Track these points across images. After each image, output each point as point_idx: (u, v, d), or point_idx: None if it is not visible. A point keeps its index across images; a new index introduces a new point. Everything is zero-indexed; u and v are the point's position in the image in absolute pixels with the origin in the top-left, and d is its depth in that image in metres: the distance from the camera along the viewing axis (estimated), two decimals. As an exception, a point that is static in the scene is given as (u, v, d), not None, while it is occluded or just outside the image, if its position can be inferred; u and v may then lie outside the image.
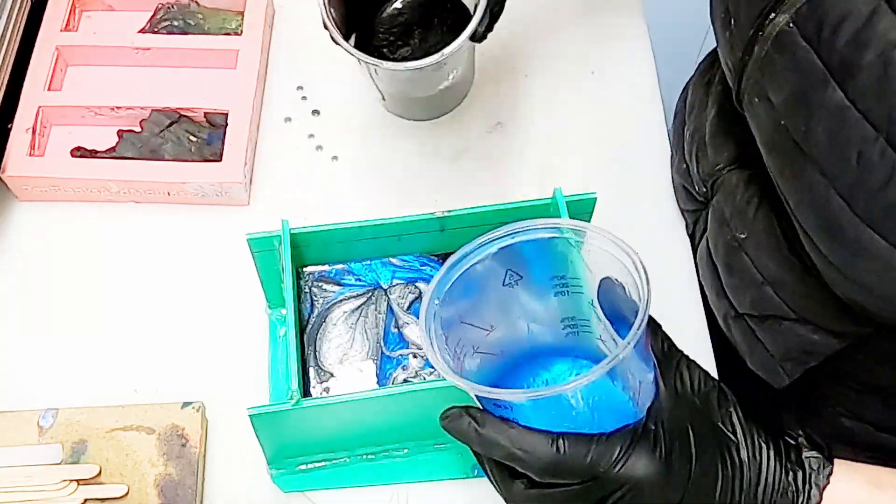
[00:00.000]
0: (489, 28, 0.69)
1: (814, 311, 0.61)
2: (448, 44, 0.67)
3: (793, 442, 0.49)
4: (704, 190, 0.72)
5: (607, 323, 0.51)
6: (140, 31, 0.84)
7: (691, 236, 0.77)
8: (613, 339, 0.52)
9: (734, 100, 0.58)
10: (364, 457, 0.66)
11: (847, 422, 0.68)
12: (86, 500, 0.64)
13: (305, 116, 0.84)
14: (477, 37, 0.68)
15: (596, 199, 0.66)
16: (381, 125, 0.83)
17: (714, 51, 0.77)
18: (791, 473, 0.47)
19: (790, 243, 0.61)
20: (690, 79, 0.80)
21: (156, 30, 0.84)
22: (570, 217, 0.64)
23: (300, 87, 0.85)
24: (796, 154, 0.50)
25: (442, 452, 0.67)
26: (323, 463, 0.66)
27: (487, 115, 0.84)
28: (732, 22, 0.55)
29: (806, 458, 0.48)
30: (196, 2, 0.85)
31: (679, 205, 0.79)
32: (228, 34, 0.84)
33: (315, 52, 0.87)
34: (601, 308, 0.51)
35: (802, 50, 0.48)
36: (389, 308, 0.68)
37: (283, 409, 0.57)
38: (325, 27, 0.69)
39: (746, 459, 0.47)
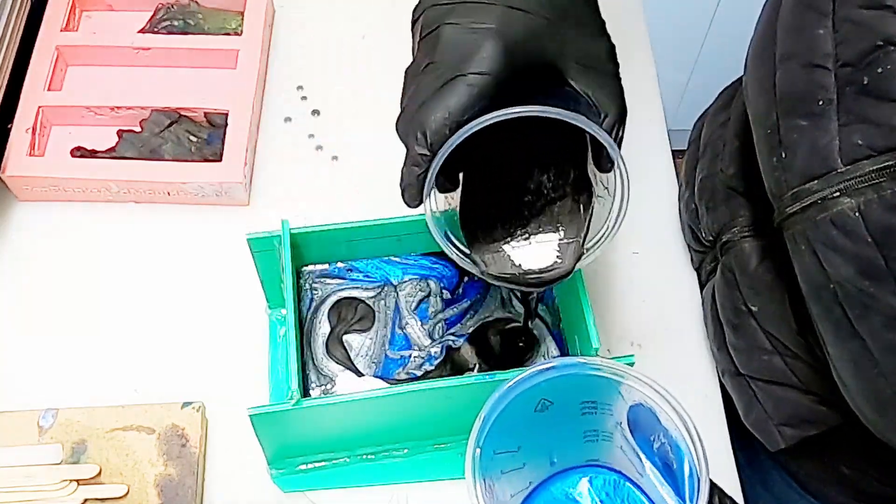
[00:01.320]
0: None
1: (822, 385, 0.60)
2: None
3: None
4: (711, 238, 0.70)
5: (631, 438, 0.52)
6: (140, 31, 0.83)
7: (697, 270, 0.76)
8: (635, 452, 0.53)
9: (773, 223, 0.54)
10: (364, 457, 0.66)
11: (846, 470, 0.67)
12: (86, 500, 0.64)
13: (305, 116, 0.84)
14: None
15: (596, 199, 0.66)
16: (381, 125, 0.83)
17: (732, 85, 0.74)
18: None
19: (801, 326, 0.59)
20: (708, 108, 0.77)
21: (156, 30, 0.84)
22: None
23: (300, 87, 0.85)
24: (844, 323, 0.48)
25: (442, 452, 0.67)
26: (323, 463, 0.66)
27: (487, 115, 0.84)
28: (783, 154, 0.51)
29: None
30: (196, 2, 0.85)
31: (685, 239, 0.77)
32: (228, 34, 0.84)
33: (315, 52, 0.87)
34: (629, 427, 0.51)
35: (867, 245, 0.46)
36: (396, 307, 0.68)
37: (283, 409, 0.57)
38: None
39: None
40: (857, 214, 0.46)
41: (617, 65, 0.51)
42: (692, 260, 0.77)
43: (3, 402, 0.68)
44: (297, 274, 0.69)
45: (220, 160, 0.77)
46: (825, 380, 0.58)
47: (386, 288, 0.69)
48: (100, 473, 0.65)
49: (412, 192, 0.50)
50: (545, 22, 0.48)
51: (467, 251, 0.56)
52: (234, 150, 0.77)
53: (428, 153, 0.48)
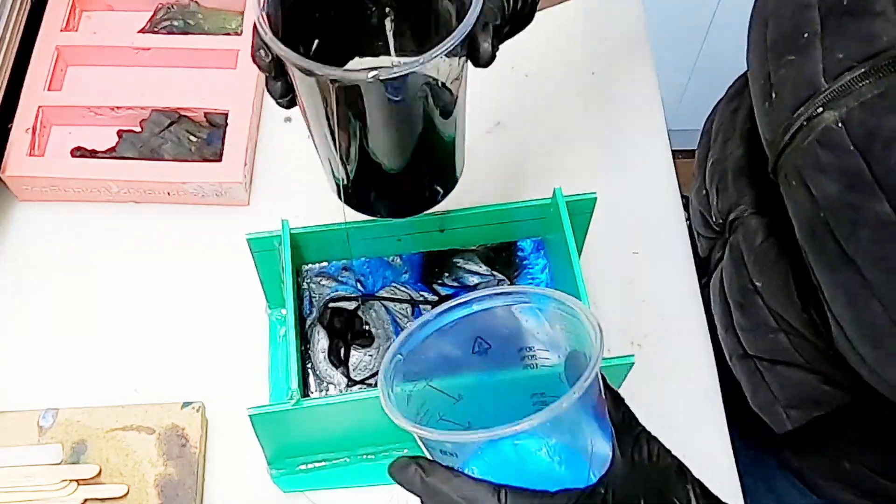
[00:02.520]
0: (495, 46, 0.50)
1: (827, 364, 0.60)
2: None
3: None
4: (721, 221, 0.70)
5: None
6: (140, 31, 0.84)
7: (706, 260, 0.76)
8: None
9: (769, 169, 0.56)
10: (364, 457, 0.66)
11: (848, 465, 0.67)
12: (86, 500, 0.64)
13: (305, 116, 0.83)
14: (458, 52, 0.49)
15: (596, 199, 0.66)
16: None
17: (743, 76, 0.75)
18: None
19: (804, 302, 0.59)
20: (719, 101, 0.78)
21: (156, 30, 0.84)
22: (570, 217, 0.63)
23: (300, 87, 0.85)
24: (836, 252, 0.49)
25: (442, 452, 0.67)
26: (323, 463, 0.66)
27: (487, 115, 0.84)
28: (773, 95, 0.53)
29: None
30: (196, 2, 0.85)
31: (696, 229, 0.77)
32: (228, 34, 0.84)
33: (315, 52, 0.87)
34: (568, 382, 0.49)
35: (851, 155, 0.47)
36: (393, 320, 0.68)
37: (282, 409, 0.57)
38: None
39: None
40: (839, 125, 0.47)
41: None
42: (701, 248, 0.77)
43: (3, 402, 0.68)
44: (297, 272, 0.69)
45: (220, 160, 0.77)
46: (830, 358, 0.58)
47: (373, 299, 0.69)
48: (100, 473, 0.65)
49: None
50: None
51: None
52: (234, 150, 0.77)
53: None
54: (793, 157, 0.52)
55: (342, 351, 0.67)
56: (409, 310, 0.68)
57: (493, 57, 0.50)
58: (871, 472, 0.66)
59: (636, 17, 0.90)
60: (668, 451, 0.47)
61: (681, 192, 0.82)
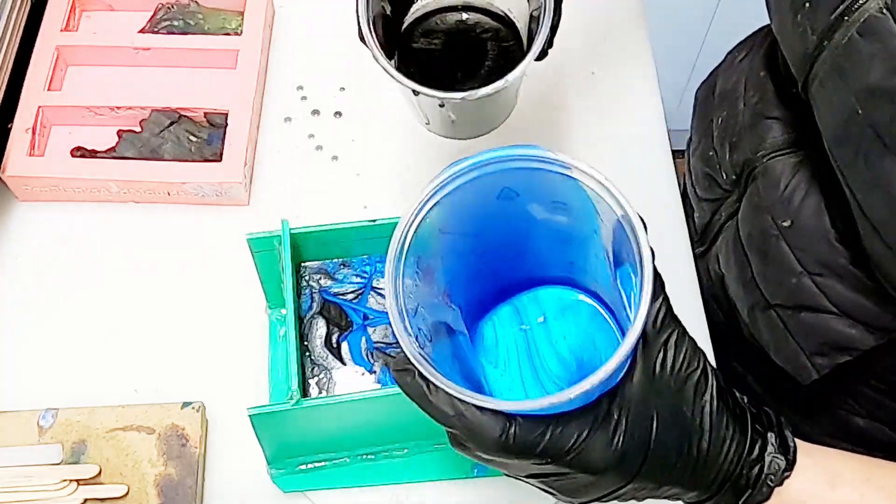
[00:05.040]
0: (550, 43, 0.63)
1: (854, 305, 0.61)
2: (502, 70, 0.61)
3: (760, 430, 0.46)
4: (734, 177, 0.71)
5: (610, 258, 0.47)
6: (140, 31, 0.84)
7: (707, 225, 0.76)
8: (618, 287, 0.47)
9: (800, 88, 0.57)
10: (364, 457, 0.66)
11: (861, 421, 0.67)
12: (86, 500, 0.64)
13: (305, 116, 0.84)
14: (542, 55, 0.62)
15: (596, 199, 0.66)
16: (381, 125, 0.83)
17: (746, 39, 0.77)
18: (748, 468, 0.46)
19: (839, 233, 0.60)
20: (717, 68, 0.80)
21: (156, 30, 0.84)
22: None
23: (300, 87, 0.85)
24: (873, 143, 0.50)
25: (442, 452, 0.67)
26: (323, 463, 0.66)
27: (487, 115, 0.84)
28: (807, 5, 0.54)
29: (769, 455, 0.46)
30: (196, 2, 0.85)
31: (697, 194, 0.78)
32: (228, 34, 0.84)
33: (315, 52, 0.87)
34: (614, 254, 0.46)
35: (895, 39, 0.47)
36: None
37: (282, 409, 0.57)
38: (375, 59, 0.60)
39: (706, 450, 0.45)
40: (885, 12, 0.48)
41: None
42: (701, 216, 0.77)
43: (3, 402, 0.68)
44: (296, 269, 0.69)
45: (220, 160, 0.77)
46: (860, 297, 0.59)
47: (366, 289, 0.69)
48: (100, 473, 0.65)
49: None
50: None
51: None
52: (234, 150, 0.77)
53: None
54: (831, 59, 0.52)
55: (336, 338, 0.67)
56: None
57: None
58: (886, 428, 0.66)
59: (636, 17, 0.90)
60: (695, 354, 0.45)
61: (681, 192, 0.82)
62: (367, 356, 0.66)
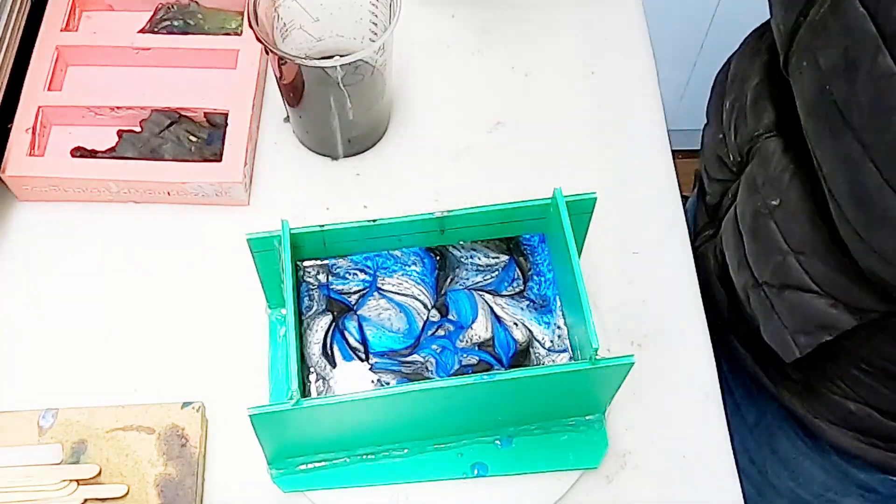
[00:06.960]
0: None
1: (835, 284, 0.61)
2: None
3: None
4: (739, 159, 0.71)
5: None
6: (140, 31, 0.83)
7: (716, 206, 0.77)
8: None
9: (781, 64, 0.58)
10: (364, 457, 0.66)
11: (853, 406, 0.67)
12: (86, 500, 0.64)
13: (305, 116, 0.83)
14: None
15: (596, 198, 0.66)
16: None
17: (761, 26, 0.77)
18: None
19: (821, 212, 0.61)
20: (734, 53, 0.81)
21: (156, 30, 0.84)
22: (570, 217, 0.63)
23: (300, 87, 0.85)
24: (836, 119, 0.51)
25: (442, 452, 0.67)
26: (323, 463, 0.66)
27: (487, 114, 0.84)
28: None
29: None
30: (196, 2, 0.85)
31: (709, 175, 0.79)
32: (228, 34, 0.84)
33: (315, 51, 0.87)
34: None
35: (859, 15, 0.48)
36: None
37: (282, 409, 0.57)
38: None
39: None
40: None
41: None
42: (712, 195, 0.78)
43: (3, 402, 0.68)
44: (296, 268, 0.69)
45: (220, 160, 0.77)
46: (840, 277, 0.60)
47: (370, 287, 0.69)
48: (100, 473, 0.65)
49: None
50: None
51: None
52: (234, 150, 0.77)
53: None
54: (804, 36, 0.54)
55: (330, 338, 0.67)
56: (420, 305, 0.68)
57: None
58: (876, 412, 0.66)
59: (636, 17, 0.90)
60: None
61: (681, 192, 0.82)
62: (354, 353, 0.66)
